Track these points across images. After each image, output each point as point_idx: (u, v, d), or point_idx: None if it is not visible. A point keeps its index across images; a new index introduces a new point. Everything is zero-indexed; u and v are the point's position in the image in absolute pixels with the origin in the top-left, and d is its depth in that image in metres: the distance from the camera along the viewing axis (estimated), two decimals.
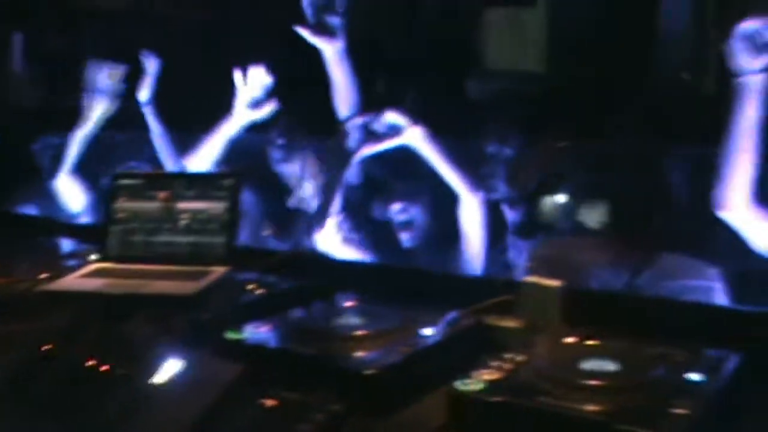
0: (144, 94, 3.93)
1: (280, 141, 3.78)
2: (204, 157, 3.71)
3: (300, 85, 3.71)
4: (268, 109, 3.66)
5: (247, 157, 3.84)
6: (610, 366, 1.62)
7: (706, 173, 2.86)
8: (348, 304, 2.06)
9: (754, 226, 2.54)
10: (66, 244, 2.88)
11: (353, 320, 1.92)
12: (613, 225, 2.52)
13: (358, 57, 3.42)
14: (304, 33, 3.25)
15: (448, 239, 3.29)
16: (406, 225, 3.39)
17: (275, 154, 3.79)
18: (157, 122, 3.91)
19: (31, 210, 4.04)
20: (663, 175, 2.57)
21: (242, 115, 3.67)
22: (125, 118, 4.41)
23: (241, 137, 3.73)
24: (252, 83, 3.64)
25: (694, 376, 1.60)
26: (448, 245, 3.28)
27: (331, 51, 3.31)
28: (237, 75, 3.65)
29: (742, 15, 2.48)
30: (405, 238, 3.41)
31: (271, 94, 3.65)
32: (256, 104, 3.65)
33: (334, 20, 3.29)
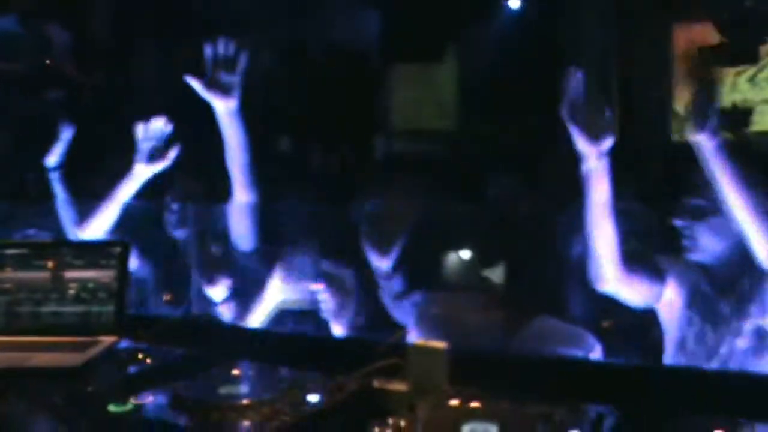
0: (53, 160, 3.87)
1: (174, 206, 3.75)
2: (102, 223, 3.66)
3: (196, 142, 3.69)
4: (167, 158, 3.62)
5: (142, 223, 3.81)
6: (491, 429, 1.63)
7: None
8: (234, 372, 2.04)
9: (628, 293, 2.62)
10: None
11: (238, 389, 1.90)
12: (496, 285, 2.55)
13: (256, 117, 3.41)
14: (198, 87, 3.23)
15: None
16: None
17: (170, 218, 3.77)
18: (62, 189, 3.84)
19: None
20: (552, 240, 2.61)
21: (143, 169, 3.62)
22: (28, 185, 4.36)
23: (136, 204, 3.69)
24: (151, 134, 3.61)
25: None
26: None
27: (224, 109, 3.29)
28: (137, 127, 3.61)
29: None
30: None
31: (169, 143, 3.62)
32: (156, 155, 3.61)
33: (231, 78, 3.27)
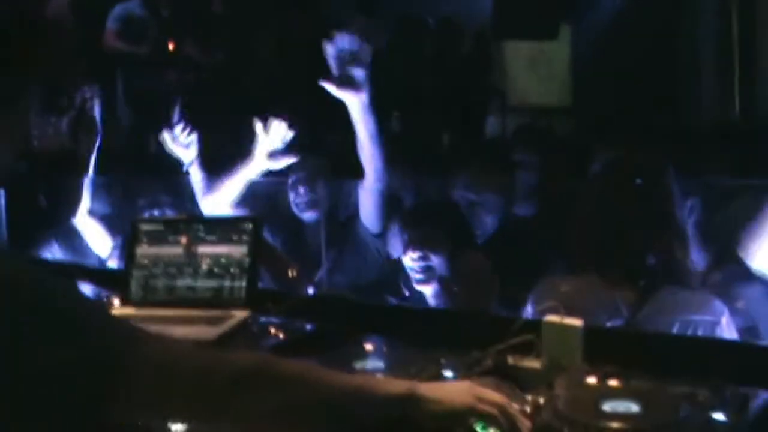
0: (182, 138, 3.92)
1: (301, 189, 3.78)
2: (223, 199, 3.72)
3: (324, 134, 3.73)
4: (286, 161, 3.67)
5: (265, 200, 3.87)
6: (632, 407, 1.60)
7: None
8: (368, 347, 2.04)
9: None
10: (89, 290, 2.89)
11: (373, 363, 1.91)
12: (614, 260, 2.50)
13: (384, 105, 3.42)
14: (329, 86, 3.23)
15: None
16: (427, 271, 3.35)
17: (296, 200, 3.81)
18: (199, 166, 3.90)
19: (55, 254, 4.07)
20: (669, 209, 2.54)
21: (261, 163, 3.68)
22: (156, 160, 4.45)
23: (260, 181, 3.74)
24: (273, 135, 3.65)
25: (720, 416, 1.57)
26: None
27: (356, 104, 3.28)
28: (258, 125, 3.66)
29: None
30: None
31: (290, 147, 3.66)
32: (275, 155, 3.66)
33: (359, 73, 3.26)
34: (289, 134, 3.65)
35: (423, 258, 3.23)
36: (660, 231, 2.50)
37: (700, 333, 2.31)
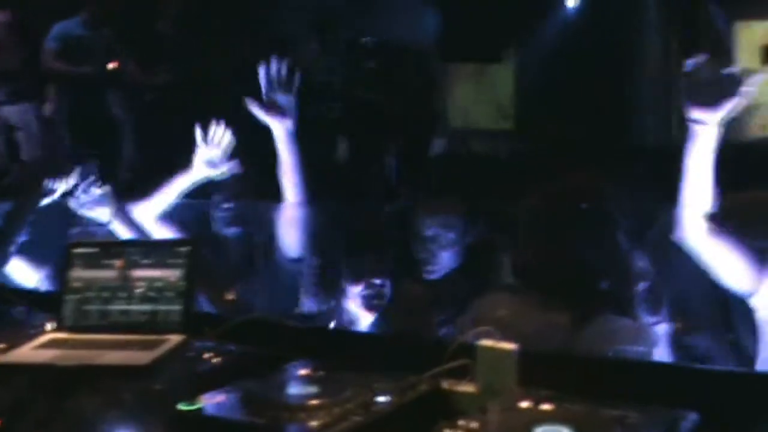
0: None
1: (225, 205, 3.78)
2: (153, 208, 3.71)
3: (253, 154, 3.73)
4: (224, 169, 3.66)
5: (192, 220, 3.85)
6: (564, 431, 1.60)
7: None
8: (302, 372, 2.03)
9: (713, 252, 2.58)
10: (22, 314, 2.84)
11: (306, 389, 1.89)
12: (556, 282, 2.52)
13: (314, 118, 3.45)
14: (255, 110, 3.26)
15: None
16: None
17: (221, 217, 3.80)
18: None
19: None
20: (610, 234, 2.57)
21: (199, 171, 3.66)
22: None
23: (185, 201, 3.73)
24: (212, 142, 3.64)
25: None
26: None
27: (280, 130, 3.32)
28: (198, 132, 3.65)
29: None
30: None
31: (230, 155, 3.65)
32: (214, 163, 3.65)
33: (286, 99, 3.29)
34: (229, 141, 3.65)
35: (380, 285, 3.26)
36: (601, 256, 2.53)
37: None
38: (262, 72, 3.26)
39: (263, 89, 3.27)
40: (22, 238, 3.96)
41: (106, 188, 3.74)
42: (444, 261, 3.58)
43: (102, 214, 3.74)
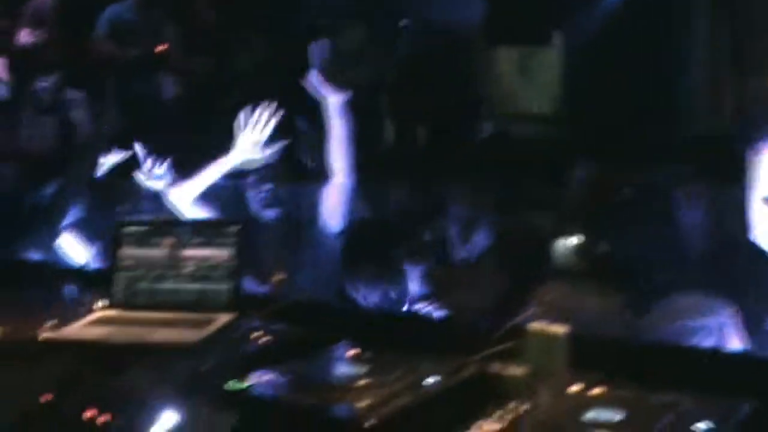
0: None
1: (265, 187, 3.79)
2: (192, 190, 3.74)
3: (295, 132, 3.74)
4: (268, 151, 3.68)
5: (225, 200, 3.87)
6: (614, 416, 1.58)
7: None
8: (350, 353, 2.03)
9: None
10: (74, 292, 2.87)
11: (355, 370, 1.89)
12: (619, 267, 2.50)
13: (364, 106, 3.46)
14: (312, 83, 3.27)
15: None
16: None
17: (260, 198, 3.81)
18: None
19: (40, 257, 4.05)
20: (670, 215, 2.54)
21: (242, 153, 3.68)
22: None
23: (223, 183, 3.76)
24: (257, 124, 3.66)
25: (703, 427, 1.56)
26: None
27: (335, 104, 3.33)
28: (243, 115, 3.66)
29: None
30: None
31: (274, 137, 3.66)
32: (258, 146, 3.66)
33: (342, 76, 3.31)
34: (274, 123, 3.66)
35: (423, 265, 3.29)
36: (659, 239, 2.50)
37: (705, 337, 2.30)
38: (317, 49, 3.30)
39: (318, 65, 3.30)
40: (74, 215, 4.02)
41: (165, 161, 3.81)
42: (480, 243, 3.59)
43: (160, 185, 3.86)
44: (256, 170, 3.80)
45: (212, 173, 3.75)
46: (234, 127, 3.72)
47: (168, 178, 3.86)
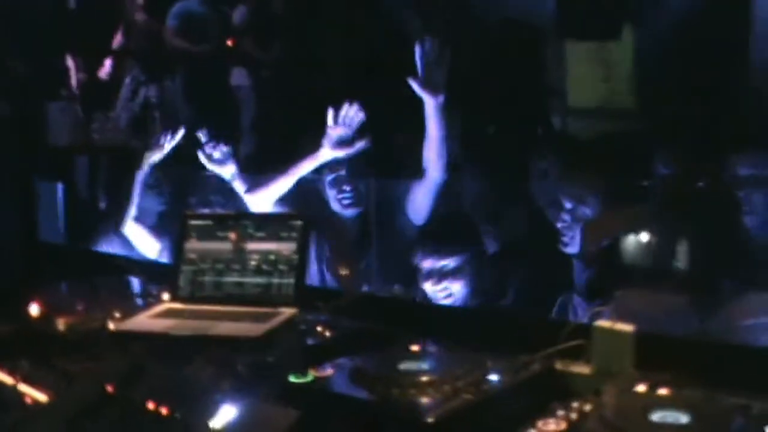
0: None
1: (346, 187, 3.77)
2: (272, 195, 3.75)
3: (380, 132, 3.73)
4: (355, 146, 3.68)
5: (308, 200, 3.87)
6: (682, 418, 1.55)
7: None
8: (413, 348, 2.02)
9: None
10: (139, 284, 2.89)
11: (418, 365, 1.88)
12: (690, 266, 2.44)
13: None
14: (415, 85, 3.31)
15: None
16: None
17: (339, 196, 3.80)
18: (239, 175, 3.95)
19: (107, 248, 4.10)
20: (741, 214, 2.48)
21: (328, 152, 3.69)
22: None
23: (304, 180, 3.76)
24: (344, 120, 3.67)
25: None
26: None
27: (433, 104, 3.36)
28: (330, 113, 3.68)
29: None
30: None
31: (360, 132, 3.67)
32: (344, 142, 3.67)
33: (441, 75, 3.34)
34: (361, 118, 3.68)
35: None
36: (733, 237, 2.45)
37: None
38: (418, 50, 3.35)
39: (420, 66, 3.34)
40: (144, 207, 4.08)
41: (229, 148, 3.89)
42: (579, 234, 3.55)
43: (226, 171, 3.90)
44: (336, 167, 3.80)
45: (297, 173, 3.76)
46: (314, 124, 3.74)
47: (231, 165, 3.87)
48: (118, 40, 5.94)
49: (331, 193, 3.82)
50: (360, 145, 3.70)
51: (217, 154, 3.89)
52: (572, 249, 3.42)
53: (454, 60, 3.80)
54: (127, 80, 5.55)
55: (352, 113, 3.68)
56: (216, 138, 3.93)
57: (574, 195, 3.49)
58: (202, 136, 3.97)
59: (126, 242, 4.15)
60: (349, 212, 3.80)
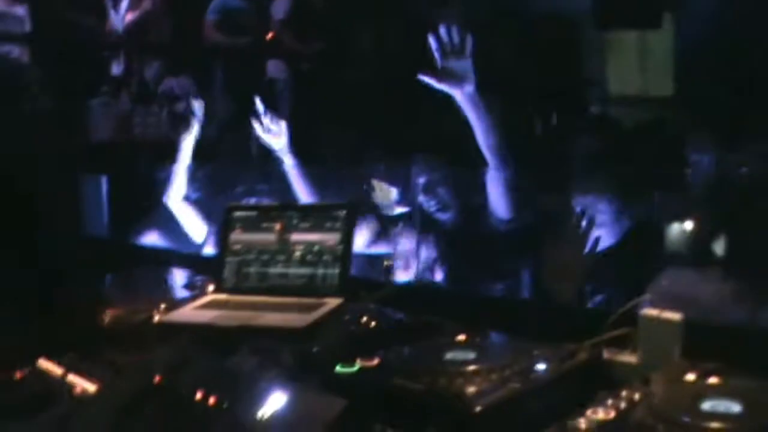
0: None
1: (434, 192, 3.74)
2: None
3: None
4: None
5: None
6: (733, 407, 1.53)
7: None
8: (459, 337, 2.01)
9: None
10: (185, 276, 2.91)
11: (464, 354, 1.87)
12: (738, 256, 2.41)
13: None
14: (431, 80, 3.21)
15: None
16: None
17: (428, 204, 3.78)
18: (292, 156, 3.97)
19: (153, 240, 4.14)
20: None
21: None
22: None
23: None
24: (384, 194, 3.67)
25: None
26: None
27: (461, 95, 3.25)
28: (374, 184, 3.67)
29: None
30: None
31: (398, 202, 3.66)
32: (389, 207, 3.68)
33: (462, 64, 3.22)
34: (396, 195, 3.67)
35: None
36: None
37: None
38: (432, 40, 3.22)
39: (437, 57, 3.22)
40: (193, 194, 4.11)
41: (282, 121, 3.94)
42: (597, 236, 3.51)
43: (277, 143, 3.94)
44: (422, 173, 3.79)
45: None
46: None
47: (283, 138, 3.93)
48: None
49: (421, 199, 3.78)
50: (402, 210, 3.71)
51: (273, 127, 3.93)
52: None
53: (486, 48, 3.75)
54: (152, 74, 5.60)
55: (389, 192, 3.70)
56: (272, 110, 3.98)
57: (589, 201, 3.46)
58: (259, 104, 4.00)
59: (169, 235, 4.18)
60: (443, 216, 3.77)
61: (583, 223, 3.22)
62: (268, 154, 4.00)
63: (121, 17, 6.02)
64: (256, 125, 3.94)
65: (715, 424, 1.47)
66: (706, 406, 1.54)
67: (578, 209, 3.45)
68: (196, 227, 4.18)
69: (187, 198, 4.18)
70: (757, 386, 1.61)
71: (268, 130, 3.93)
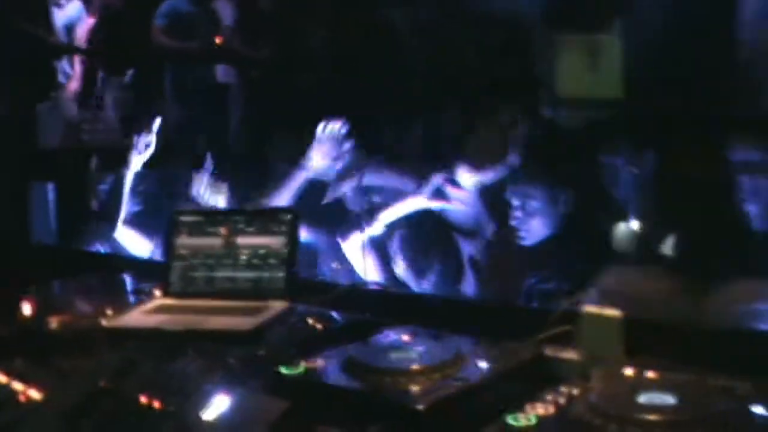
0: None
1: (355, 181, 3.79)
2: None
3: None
4: (344, 158, 3.70)
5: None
6: (669, 399, 1.56)
7: None
8: (402, 337, 2.03)
9: None
10: (131, 281, 2.91)
11: (407, 354, 1.89)
12: (682, 252, 2.46)
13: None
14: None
15: None
16: None
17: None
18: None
19: (98, 247, 4.11)
20: (735, 201, 2.50)
21: (316, 165, 3.72)
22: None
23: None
24: (329, 137, 3.69)
25: (760, 410, 1.53)
26: None
27: None
28: (318, 127, 3.69)
29: None
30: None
31: (347, 149, 3.68)
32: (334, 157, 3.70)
33: None
34: (344, 134, 3.69)
35: None
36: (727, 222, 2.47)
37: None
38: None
39: None
40: (133, 207, 4.09)
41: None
42: (534, 229, 3.55)
43: (220, 202, 3.99)
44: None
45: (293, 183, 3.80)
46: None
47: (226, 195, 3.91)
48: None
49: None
50: (347, 156, 3.73)
51: (215, 188, 3.93)
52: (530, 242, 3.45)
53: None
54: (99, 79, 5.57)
55: (336, 129, 3.71)
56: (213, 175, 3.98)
57: (520, 192, 3.52)
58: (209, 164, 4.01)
59: (117, 241, 4.16)
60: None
61: (512, 220, 3.28)
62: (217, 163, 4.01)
63: (68, 24, 5.99)
64: (201, 191, 3.94)
65: (650, 416, 1.50)
66: (642, 399, 1.57)
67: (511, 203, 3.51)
68: (139, 247, 4.16)
69: (126, 221, 4.16)
70: (693, 380, 1.65)
71: (213, 190, 3.93)
